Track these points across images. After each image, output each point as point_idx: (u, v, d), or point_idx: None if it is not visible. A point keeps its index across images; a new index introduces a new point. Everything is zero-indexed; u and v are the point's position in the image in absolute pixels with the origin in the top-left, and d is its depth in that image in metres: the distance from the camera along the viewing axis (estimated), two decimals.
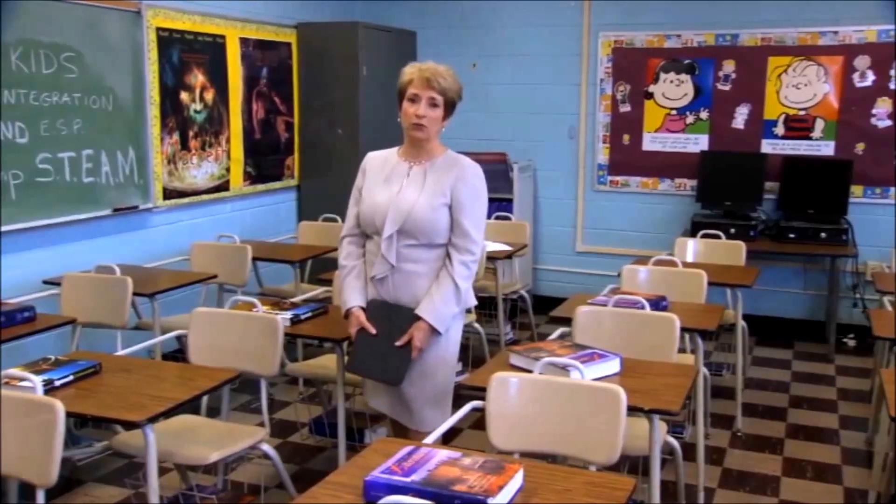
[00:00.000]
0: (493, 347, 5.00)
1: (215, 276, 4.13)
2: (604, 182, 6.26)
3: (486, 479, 1.76)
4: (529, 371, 2.57)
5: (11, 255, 4.01)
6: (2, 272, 3.96)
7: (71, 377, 2.49)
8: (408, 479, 1.75)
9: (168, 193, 4.89)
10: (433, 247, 2.77)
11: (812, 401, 4.61)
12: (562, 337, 3.18)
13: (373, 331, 2.78)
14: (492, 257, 4.74)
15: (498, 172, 6.09)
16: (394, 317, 2.78)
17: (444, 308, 2.74)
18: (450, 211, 2.76)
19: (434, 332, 2.74)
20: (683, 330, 3.08)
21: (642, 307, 3.20)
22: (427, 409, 2.86)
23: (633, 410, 2.31)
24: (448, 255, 2.77)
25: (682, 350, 3.34)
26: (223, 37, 5.24)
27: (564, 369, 2.52)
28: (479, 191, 2.81)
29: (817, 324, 5.78)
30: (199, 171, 5.12)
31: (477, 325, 4.44)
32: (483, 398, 2.40)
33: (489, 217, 5.82)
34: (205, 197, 5.19)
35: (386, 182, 2.80)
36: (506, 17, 6.36)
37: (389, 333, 2.76)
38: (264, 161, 5.70)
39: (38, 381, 2.24)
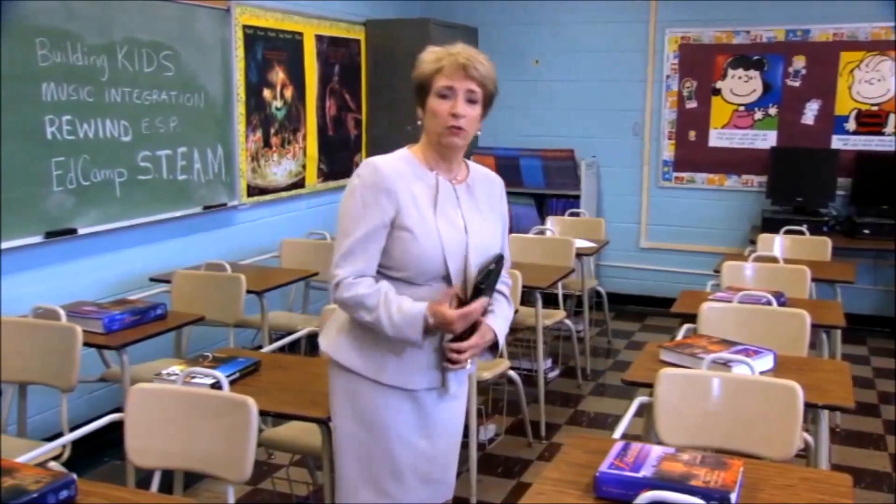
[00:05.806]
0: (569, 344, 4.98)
1: (317, 274, 4.13)
2: (669, 178, 6.26)
3: (717, 474, 1.76)
4: (684, 366, 2.58)
5: (114, 253, 4.03)
6: (106, 270, 3.99)
7: (237, 374, 2.50)
8: (639, 475, 1.75)
9: (251, 191, 4.90)
10: None
11: None
12: (688, 333, 3.19)
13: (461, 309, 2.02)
14: (578, 254, 4.73)
15: (566, 169, 6.10)
16: None
17: (506, 331, 2.20)
18: None
19: (490, 350, 2.15)
20: (813, 326, 3.08)
21: (769, 303, 3.20)
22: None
23: (806, 406, 2.32)
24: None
25: None
26: (301, 34, 5.24)
27: (726, 365, 2.52)
28: None
29: (885, 320, 5.78)
30: (280, 169, 5.13)
31: (568, 322, 4.43)
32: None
33: (562, 213, 5.86)
34: (283, 194, 5.20)
35: (438, 209, 2.05)
36: (569, 13, 6.35)
37: None
38: (335, 158, 5.71)
39: (223, 378, 2.25)
